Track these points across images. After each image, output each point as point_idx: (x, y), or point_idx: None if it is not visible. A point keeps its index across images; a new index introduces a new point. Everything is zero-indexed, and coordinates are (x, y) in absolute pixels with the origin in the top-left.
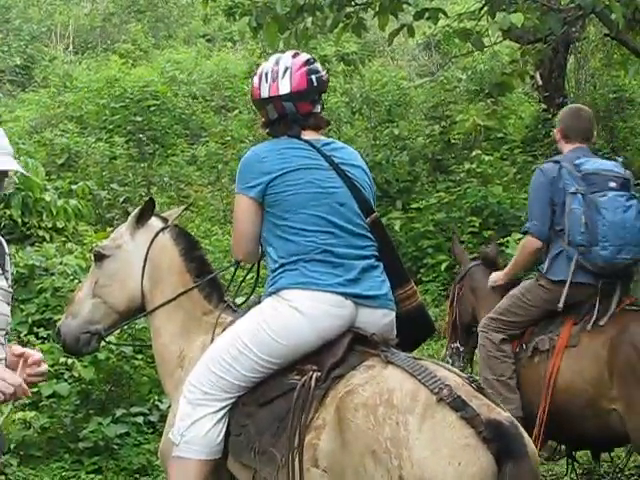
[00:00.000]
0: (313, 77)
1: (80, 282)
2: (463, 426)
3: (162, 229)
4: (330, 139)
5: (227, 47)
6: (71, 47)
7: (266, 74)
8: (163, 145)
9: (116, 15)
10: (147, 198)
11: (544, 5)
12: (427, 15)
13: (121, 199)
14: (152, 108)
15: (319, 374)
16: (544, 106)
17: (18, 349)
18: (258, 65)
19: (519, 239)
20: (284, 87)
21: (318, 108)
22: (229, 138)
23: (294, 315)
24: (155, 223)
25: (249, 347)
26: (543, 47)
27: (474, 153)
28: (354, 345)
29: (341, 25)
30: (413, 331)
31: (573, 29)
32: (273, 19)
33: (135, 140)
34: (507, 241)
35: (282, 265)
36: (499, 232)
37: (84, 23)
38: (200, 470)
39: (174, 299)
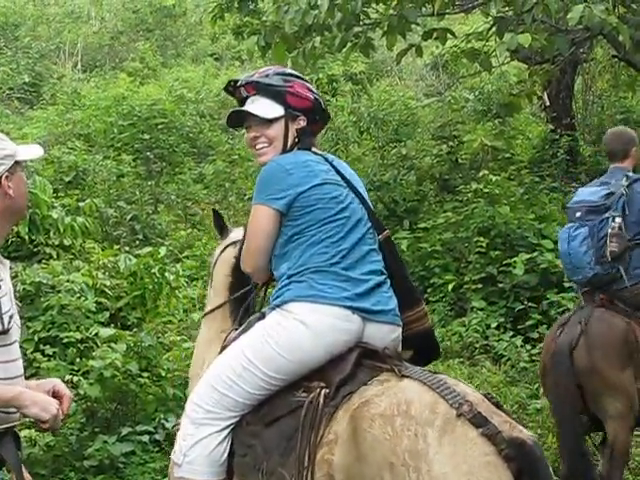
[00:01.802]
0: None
1: (87, 300)
2: (484, 443)
3: (231, 243)
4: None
5: (235, 66)
6: (79, 65)
7: (305, 86)
8: (170, 163)
9: (124, 34)
10: (212, 211)
11: (552, 26)
12: (435, 35)
13: (128, 217)
14: (160, 126)
15: (327, 391)
16: (551, 127)
17: (48, 384)
18: None
19: (527, 259)
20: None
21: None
22: (236, 156)
23: (300, 329)
24: (232, 235)
25: (253, 363)
26: (551, 68)
27: (481, 173)
28: (362, 360)
29: (349, 45)
30: (419, 353)
31: (581, 50)
32: (281, 38)
33: (142, 158)
34: (514, 262)
35: (289, 277)
36: (506, 252)
37: (92, 41)
38: None
39: (210, 312)
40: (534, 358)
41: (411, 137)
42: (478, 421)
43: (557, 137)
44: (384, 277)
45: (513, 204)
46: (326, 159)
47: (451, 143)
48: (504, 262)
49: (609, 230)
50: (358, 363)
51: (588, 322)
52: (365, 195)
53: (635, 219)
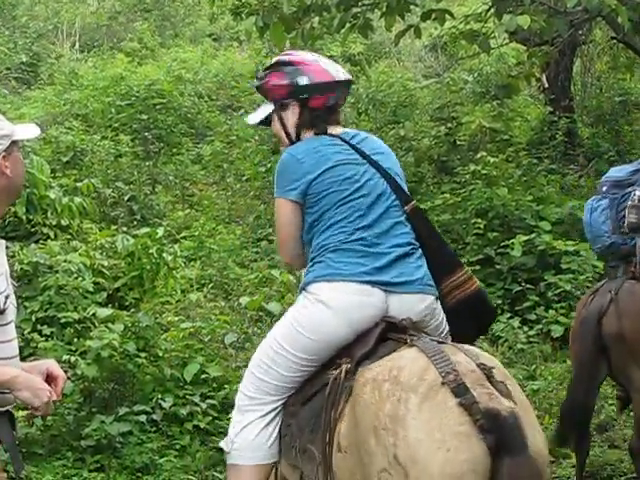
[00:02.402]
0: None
1: (84, 280)
2: (460, 413)
3: None
4: (354, 130)
5: (233, 46)
6: (77, 45)
7: (324, 62)
8: (168, 144)
9: (122, 14)
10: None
11: (551, 8)
12: (434, 16)
13: (126, 197)
14: (158, 107)
15: (349, 366)
16: (550, 109)
17: (42, 365)
18: (264, 64)
19: (524, 241)
20: (345, 74)
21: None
22: (234, 137)
23: (321, 309)
24: None
25: (283, 346)
26: (549, 49)
27: (479, 155)
28: (387, 334)
29: (348, 25)
30: (474, 319)
31: (579, 32)
32: (280, 19)
33: (140, 138)
34: (512, 243)
35: (312, 260)
36: (504, 234)
37: (90, 21)
38: (254, 476)
39: None
40: (531, 340)
41: (409, 118)
42: (459, 390)
43: (555, 119)
44: (410, 248)
45: (511, 186)
46: (344, 138)
47: (449, 125)
48: (502, 244)
49: (629, 202)
50: (382, 337)
51: (618, 292)
52: (393, 168)
53: None
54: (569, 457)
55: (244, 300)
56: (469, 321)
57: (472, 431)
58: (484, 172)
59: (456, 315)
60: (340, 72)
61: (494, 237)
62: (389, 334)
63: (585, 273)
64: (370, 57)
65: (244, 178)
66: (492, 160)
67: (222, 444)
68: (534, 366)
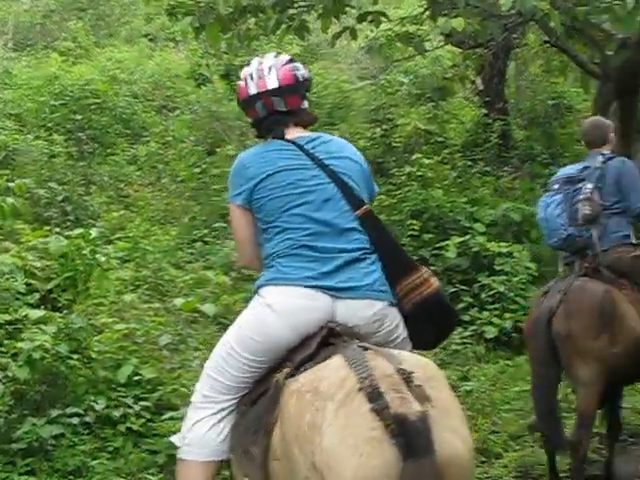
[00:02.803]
0: (298, 74)
1: (16, 281)
2: (373, 418)
3: None
4: (318, 134)
5: (169, 47)
6: (10, 44)
7: (251, 74)
8: (103, 144)
9: (57, 12)
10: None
11: (485, 11)
12: (370, 18)
13: (59, 198)
14: (92, 107)
15: (288, 370)
16: (484, 111)
17: None
18: (200, 65)
19: (459, 243)
20: (272, 82)
21: (306, 103)
22: (170, 138)
23: (267, 312)
24: None
25: (233, 348)
26: (484, 52)
27: (414, 157)
28: (330, 339)
29: (284, 27)
30: (432, 322)
31: (514, 35)
32: (216, 19)
33: (75, 139)
34: (447, 245)
35: (265, 264)
36: (439, 236)
37: (24, 20)
38: (201, 471)
39: None
40: (465, 341)
41: (345, 120)
42: (373, 396)
43: (490, 121)
44: (361, 253)
45: (446, 187)
46: (298, 143)
47: (385, 126)
48: (436, 245)
49: (581, 196)
50: (324, 342)
51: (568, 291)
52: (349, 172)
53: (611, 190)
54: (501, 457)
55: (178, 301)
56: (427, 324)
57: (383, 436)
58: (419, 174)
59: (414, 319)
60: (253, 86)
61: (429, 238)
62: (331, 339)
63: (518, 275)
64: (307, 59)
65: (179, 179)
66: (427, 162)
67: (174, 439)
68: (467, 367)
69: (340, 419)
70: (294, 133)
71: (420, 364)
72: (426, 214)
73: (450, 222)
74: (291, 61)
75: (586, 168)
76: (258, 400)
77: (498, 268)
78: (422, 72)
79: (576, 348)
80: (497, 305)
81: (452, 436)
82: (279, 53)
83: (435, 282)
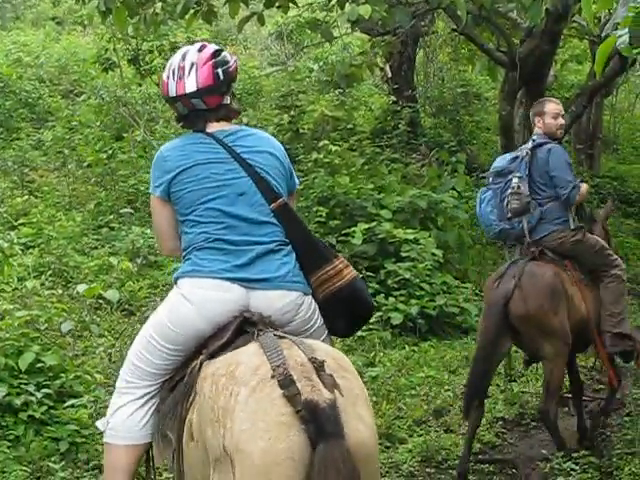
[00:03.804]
0: (219, 71)
1: None
2: (283, 404)
3: None
4: (239, 127)
5: (77, 31)
6: None
7: (173, 71)
8: (7, 129)
9: None
10: None
11: None
12: (277, 4)
13: None
14: None
15: (204, 357)
16: (393, 98)
17: None
18: (107, 49)
19: (365, 229)
20: (190, 85)
21: (228, 99)
22: (76, 123)
23: (182, 303)
24: None
25: (153, 336)
26: (392, 40)
27: (322, 143)
28: (245, 327)
29: (191, 12)
30: (345, 312)
31: (422, 23)
32: (122, 4)
33: None
34: (353, 231)
35: (183, 256)
36: (345, 222)
37: None
38: (125, 455)
39: None
40: (371, 327)
41: (254, 106)
42: (285, 383)
43: (399, 109)
44: (275, 245)
45: (353, 174)
46: (217, 137)
47: (292, 113)
48: (343, 232)
49: (509, 190)
50: (239, 330)
51: (521, 277)
52: (266, 166)
53: (542, 179)
54: (405, 442)
55: (81, 288)
56: (340, 314)
57: (293, 421)
58: (326, 160)
59: (327, 309)
60: (173, 88)
61: (335, 225)
62: (247, 327)
63: (424, 261)
64: (217, 44)
65: (85, 164)
66: (334, 149)
67: (98, 423)
68: (373, 353)
69: (252, 404)
70: (216, 127)
71: (332, 354)
72: (333, 201)
73: (357, 209)
74: (214, 55)
75: (515, 159)
76: (176, 386)
77: (404, 255)
78: (332, 59)
79: (538, 327)
80: (403, 291)
81: (359, 423)
82: (204, 46)
83: (350, 274)
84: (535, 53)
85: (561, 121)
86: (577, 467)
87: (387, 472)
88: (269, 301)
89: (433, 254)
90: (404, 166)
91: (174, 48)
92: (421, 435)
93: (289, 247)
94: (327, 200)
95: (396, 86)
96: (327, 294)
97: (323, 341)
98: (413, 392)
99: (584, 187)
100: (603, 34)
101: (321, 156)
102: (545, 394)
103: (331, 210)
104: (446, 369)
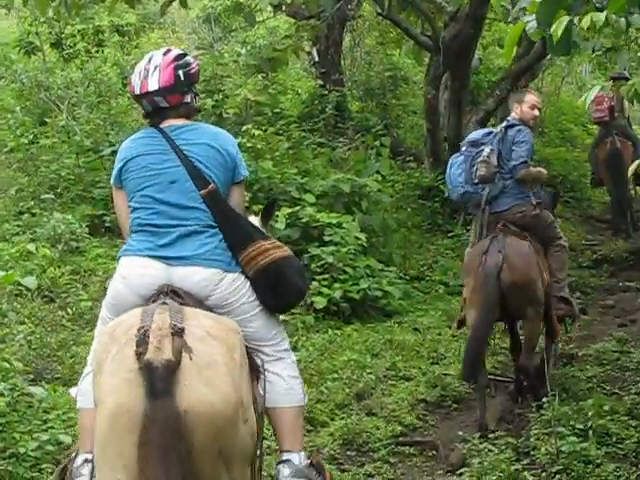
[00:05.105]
0: (180, 72)
1: None
2: (134, 362)
3: None
4: (189, 122)
5: (1, 14)
6: None
7: (140, 72)
8: None
9: None
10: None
11: None
12: None
13: None
14: None
15: None
16: (320, 82)
17: None
18: (29, 33)
19: (288, 214)
20: (153, 84)
21: (189, 98)
22: None
23: (116, 278)
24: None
25: (103, 310)
26: (317, 24)
27: (244, 127)
28: (161, 297)
29: None
30: (270, 289)
31: (348, 7)
32: None
33: None
34: (276, 216)
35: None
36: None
37: None
38: (92, 417)
39: None
40: (294, 311)
41: None
42: (139, 343)
43: (326, 93)
44: (199, 227)
45: (278, 159)
46: (164, 130)
47: (216, 97)
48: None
49: (480, 158)
50: (155, 299)
51: (505, 249)
52: (199, 156)
53: (507, 156)
54: (327, 425)
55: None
56: (266, 291)
57: (137, 378)
58: (249, 145)
59: (255, 285)
60: (138, 87)
61: (259, 210)
62: (161, 297)
63: (348, 245)
64: (144, 28)
65: (6, 149)
66: (257, 133)
67: (71, 391)
68: (296, 337)
69: (114, 361)
70: (169, 122)
71: (209, 325)
72: (256, 185)
73: (280, 193)
74: (177, 59)
75: (489, 134)
76: None
77: (327, 239)
78: (260, 43)
79: (523, 294)
80: (326, 275)
81: (202, 387)
82: (169, 50)
83: (276, 253)
84: (459, 37)
85: (536, 113)
86: (494, 448)
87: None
88: (186, 276)
89: (357, 238)
90: (331, 150)
91: (98, 32)
92: (342, 418)
93: (214, 230)
94: (250, 185)
95: (323, 70)
96: (253, 272)
97: (253, 316)
98: (335, 376)
99: (537, 169)
100: (510, 19)
101: (244, 140)
102: (525, 351)
103: (254, 195)
104: (369, 352)
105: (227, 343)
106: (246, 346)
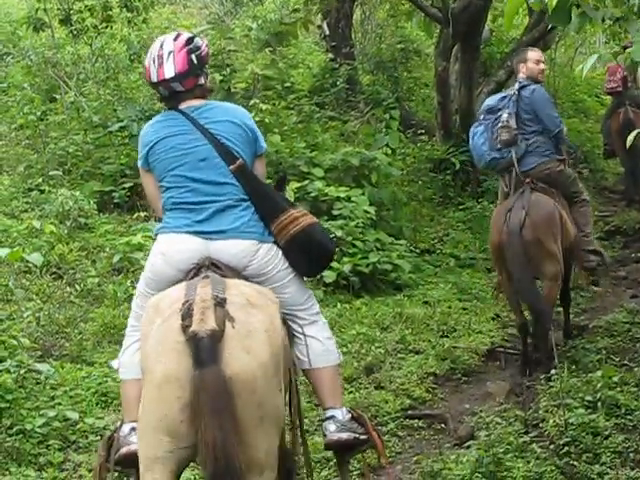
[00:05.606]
0: (193, 56)
1: None
2: (180, 333)
3: None
4: (207, 102)
5: None
6: None
7: (154, 59)
8: None
9: None
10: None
11: None
12: None
13: None
14: None
15: None
16: (331, 56)
17: None
18: (37, 9)
19: (297, 188)
20: (169, 71)
21: (202, 80)
22: (5, 85)
23: (155, 254)
24: None
25: (142, 285)
26: None
27: (252, 102)
28: (203, 270)
29: None
30: (303, 254)
31: None
32: None
33: None
34: (286, 190)
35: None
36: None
37: None
38: (134, 388)
39: None
40: None
41: None
42: (185, 315)
43: (337, 66)
44: (233, 201)
45: (287, 133)
46: (185, 112)
47: (224, 72)
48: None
49: (500, 124)
50: (196, 273)
51: (529, 206)
52: (225, 133)
53: (528, 115)
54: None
55: (3, 252)
56: (299, 256)
57: (184, 349)
58: (257, 119)
59: (288, 253)
60: (154, 74)
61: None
62: (203, 270)
63: (356, 219)
64: (153, 3)
65: (15, 126)
66: (265, 107)
67: (112, 363)
68: None
69: (159, 332)
70: (187, 104)
71: (249, 294)
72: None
73: (289, 167)
74: (188, 43)
75: (504, 98)
76: None
77: (336, 213)
78: (271, 17)
79: (544, 251)
80: (336, 249)
81: (244, 355)
82: (178, 35)
83: (305, 221)
84: (469, 9)
85: (542, 66)
86: (502, 420)
87: (316, 430)
88: (224, 249)
89: (366, 211)
90: (342, 124)
91: (106, 8)
92: (351, 392)
93: (247, 203)
94: None
95: (334, 43)
96: (286, 240)
97: (287, 283)
98: (344, 350)
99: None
100: None
101: (252, 115)
102: (545, 305)
103: None
104: (378, 326)
105: (266, 311)
106: (282, 312)
